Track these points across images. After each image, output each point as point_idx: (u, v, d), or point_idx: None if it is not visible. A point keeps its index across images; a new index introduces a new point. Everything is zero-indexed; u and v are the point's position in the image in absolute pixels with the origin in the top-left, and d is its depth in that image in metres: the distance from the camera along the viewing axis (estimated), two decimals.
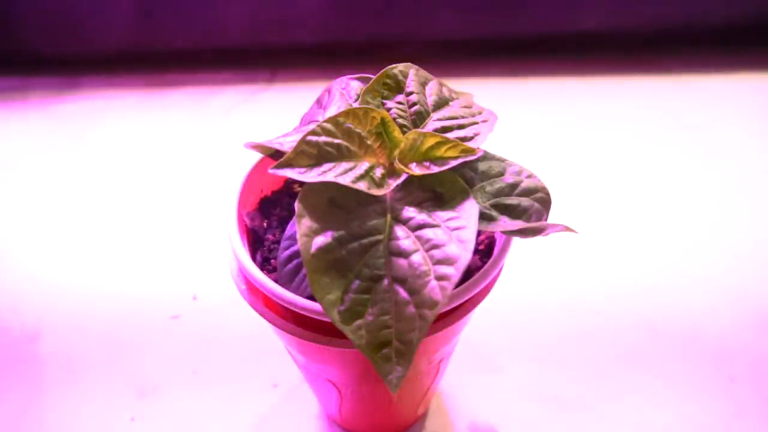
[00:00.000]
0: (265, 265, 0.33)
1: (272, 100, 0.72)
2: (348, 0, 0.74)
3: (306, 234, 0.26)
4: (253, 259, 0.33)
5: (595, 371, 0.48)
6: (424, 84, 0.33)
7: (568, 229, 0.29)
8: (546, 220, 0.30)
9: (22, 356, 0.50)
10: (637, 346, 0.49)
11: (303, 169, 0.26)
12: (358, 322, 0.25)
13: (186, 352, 0.50)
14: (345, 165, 0.27)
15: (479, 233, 0.33)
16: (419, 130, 0.30)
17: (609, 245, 0.56)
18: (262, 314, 0.31)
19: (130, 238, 0.58)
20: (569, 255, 0.55)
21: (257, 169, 0.35)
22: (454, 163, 0.28)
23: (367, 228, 0.27)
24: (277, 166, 0.26)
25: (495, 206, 0.30)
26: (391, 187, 0.28)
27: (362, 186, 0.27)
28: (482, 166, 0.31)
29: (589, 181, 0.62)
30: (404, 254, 0.26)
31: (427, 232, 0.27)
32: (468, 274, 0.30)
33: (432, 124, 0.31)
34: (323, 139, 0.27)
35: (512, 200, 0.30)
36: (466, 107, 0.33)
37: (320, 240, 0.26)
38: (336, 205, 0.27)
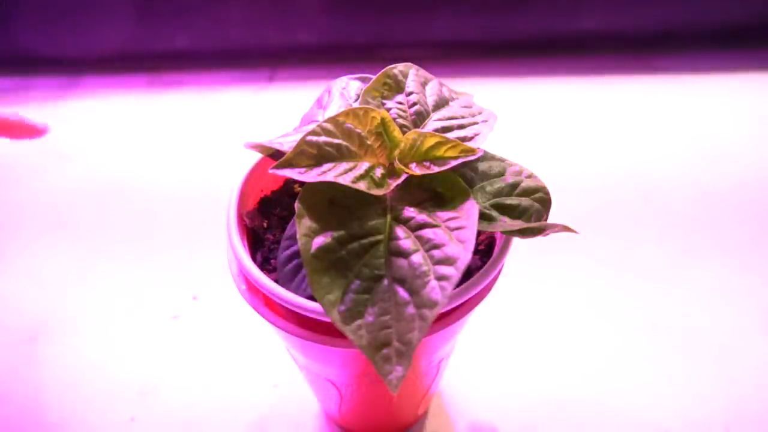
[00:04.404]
0: (265, 265, 0.33)
1: (272, 100, 0.73)
2: (348, 0, 0.74)
3: (306, 234, 0.26)
4: (253, 259, 0.33)
5: (595, 371, 0.48)
6: (424, 84, 0.33)
7: (567, 229, 0.29)
8: (546, 220, 0.30)
9: (22, 356, 0.50)
10: (637, 345, 0.49)
11: (303, 169, 0.26)
12: (358, 322, 0.25)
13: (186, 352, 0.50)
14: (345, 165, 0.27)
15: (479, 233, 0.33)
16: (419, 130, 0.30)
17: (609, 245, 0.56)
18: (262, 314, 0.31)
19: (130, 238, 0.58)
20: (569, 255, 0.55)
21: (257, 169, 0.35)
22: (454, 163, 0.28)
23: (367, 228, 0.27)
24: (277, 166, 0.26)
25: (495, 206, 0.30)
26: (391, 187, 0.28)
27: (362, 186, 0.27)
28: (482, 166, 0.31)
29: (589, 181, 0.62)
30: (404, 254, 0.26)
31: (427, 232, 0.27)
32: (468, 274, 0.30)
33: (432, 124, 0.31)
34: (323, 139, 0.27)
35: (512, 200, 0.30)
36: (466, 107, 0.33)
37: (320, 240, 0.26)
38: (336, 205, 0.27)
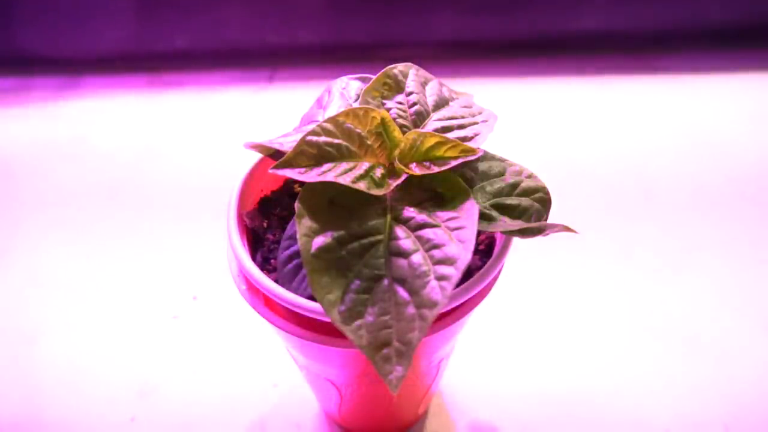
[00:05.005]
0: (265, 265, 0.33)
1: (272, 100, 0.72)
2: (348, 0, 0.74)
3: (306, 234, 0.26)
4: (253, 259, 0.33)
5: (595, 370, 0.48)
6: (424, 84, 0.33)
7: (567, 229, 0.29)
8: (546, 220, 0.30)
9: (22, 356, 0.50)
10: (637, 345, 0.49)
11: (303, 169, 0.26)
12: (358, 322, 0.25)
13: (186, 352, 0.50)
14: (345, 165, 0.27)
15: (479, 233, 0.33)
16: (419, 130, 0.30)
17: (609, 245, 0.56)
18: (262, 314, 0.31)
19: (130, 238, 0.58)
20: (569, 255, 0.55)
21: (257, 169, 0.35)
22: (454, 163, 0.28)
23: (367, 228, 0.27)
24: (277, 166, 0.26)
25: (495, 206, 0.30)
26: (391, 187, 0.28)
27: (362, 186, 0.27)
28: (482, 166, 0.32)
29: (589, 181, 0.62)
30: (404, 254, 0.26)
31: (427, 232, 0.27)
32: (468, 274, 0.30)
33: (432, 124, 0.31)
34: (323, 139, 0.27)
35: (512, 200, 0.30)
36: (466, 107, 0.33)
37: (320, 240, 0.26)
38: (336, 205, 0.27)
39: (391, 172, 0.29)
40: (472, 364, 0.48)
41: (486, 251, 0.34)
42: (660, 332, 0.50)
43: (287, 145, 0.30)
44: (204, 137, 0.69)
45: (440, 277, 0.25)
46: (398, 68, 0.32)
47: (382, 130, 0.29)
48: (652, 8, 0.74)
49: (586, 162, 0.64)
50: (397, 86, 0.32)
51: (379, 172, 0.28)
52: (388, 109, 0.31)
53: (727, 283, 0.53)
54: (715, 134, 0.67)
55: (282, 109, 0.70)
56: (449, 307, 0.30)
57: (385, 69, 0.32)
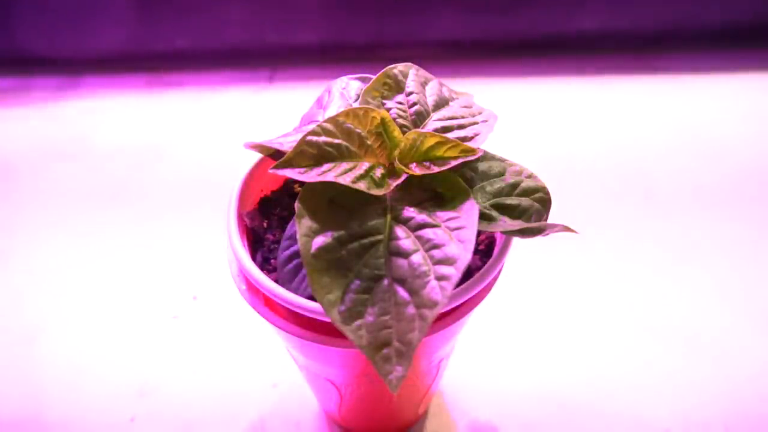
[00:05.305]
0: (265, 265, 0.33)
1: (272, 100, 0.72)
2: (348, 0, 0.74)
3: (306, 234, 0.26)
4: (253, 259, 0.33)
5: (595, 370, 0.48)
6: (424, 84, 0.33)
7: (567, 229, 0.29)
8: (546, 220, 0.30)
9: (22, 356, 0.50)
10: (637, 345, 0.49)
11: (303, 169, 0.26)
12: (358, 322, 0.25)
13: (186, 352, 0.50)
14: (345, 165, 0.27)
15: (479, 233, 0.33)
16: (419, 130, 0.30)
17: (609, 245, 0.56)
18: (262, 314, 0.31)
19: (130, 238, 0.58)
20: (569, 255, 0.55)
21: (257, 169, 0.35)
22: (454, 163, 0.28)
23: (367, 228, 0.27)
24: (277, 166, 0.26)
25: (495, 206, 0.30)
26: (391, 187, 0.28)
27: (362, 186, 0.27)
28: (482, 166, 0.32)
29: (589, 181, 0.62)
30: (404, 254, 0.26)
31: (427, 232, 0.27)
32: (468, 274, 0.30)
33: (432, 124, 0.31)
34: (323, 139, 0.27)
35: (512, 200, 0.30)
36: (466, 107, 0.33)
37: (320, 240, 0.26)
38: (336, 205, 0.27)
39: (391, 172, 0.29)
40: (472, 364, 0.48)
41: (486, 251, 0.34)
42: (660, 331, 0.50)
43: (287, 145, 0.30)
44: (204, 137, 0.69)
45: (440, 277, 0.25)
46: (398, 68, 0.32)
47: (382, 130, 0.29)
48: (652, 8, 0.74)
49: (587, 162, 0.64)
50: (397, 86, 0.32)
51: (379, 172, 0.28)
52: (388, 109, 0.31)
53: (728, 282, 0.53)
54: (715, 134, 0.67)
55: (282, 109, 0.70)
56: (449, 307, 0.30)
57: (385, 69, 0.32)
